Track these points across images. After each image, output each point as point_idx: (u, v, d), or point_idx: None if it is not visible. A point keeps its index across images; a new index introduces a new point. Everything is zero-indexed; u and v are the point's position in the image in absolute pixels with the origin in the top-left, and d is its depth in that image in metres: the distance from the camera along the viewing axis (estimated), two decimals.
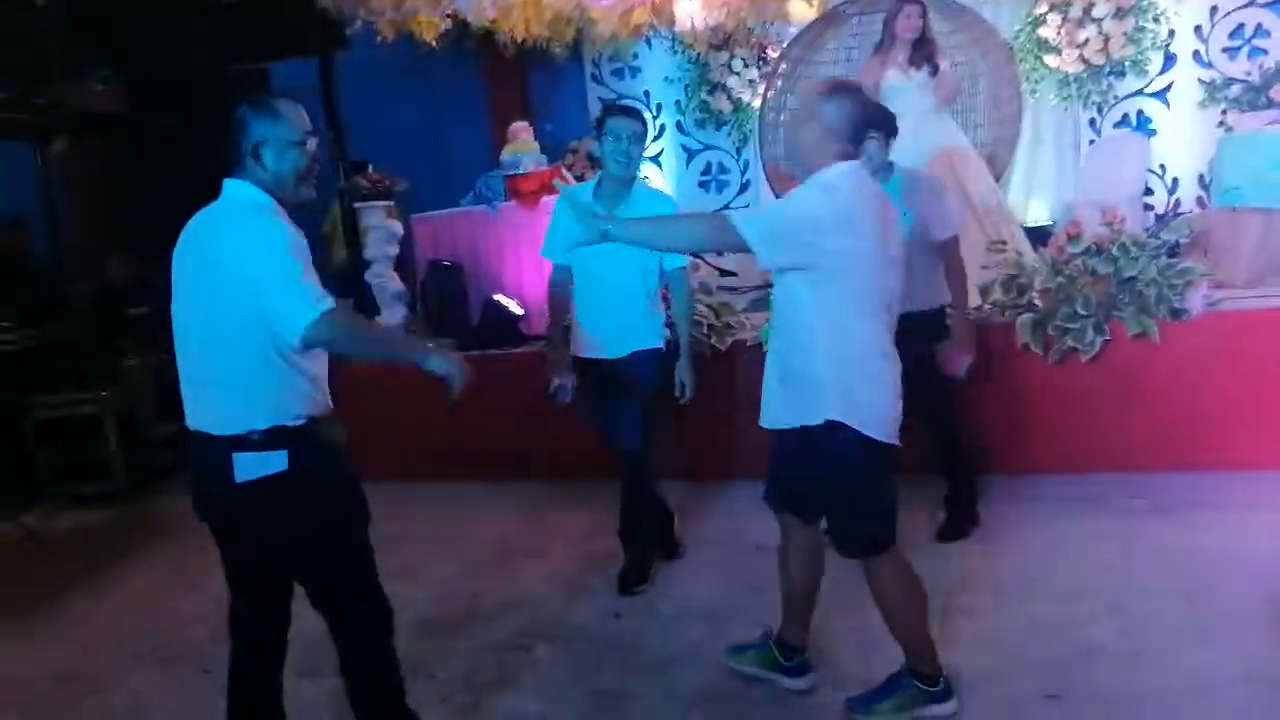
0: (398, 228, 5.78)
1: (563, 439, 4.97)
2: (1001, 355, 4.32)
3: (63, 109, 7.08)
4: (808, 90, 3.11)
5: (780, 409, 2.64)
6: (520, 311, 5.57)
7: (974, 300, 4.18)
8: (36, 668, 3.56)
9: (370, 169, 5.69)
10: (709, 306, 4.94)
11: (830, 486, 2.60)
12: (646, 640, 3.32)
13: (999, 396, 4.35)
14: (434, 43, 5.65)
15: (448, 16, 5.61)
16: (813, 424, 2.52)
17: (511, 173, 5.94)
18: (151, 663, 3.50)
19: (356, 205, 5.70)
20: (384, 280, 5.69)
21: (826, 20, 6.33)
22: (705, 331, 4.80)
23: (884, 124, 3.38)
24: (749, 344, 4.84)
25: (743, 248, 2.44)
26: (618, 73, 7.60)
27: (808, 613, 2.91)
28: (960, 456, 3.93)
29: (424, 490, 5.20)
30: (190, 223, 2.34)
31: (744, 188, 7.41)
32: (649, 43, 7.20)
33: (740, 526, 4.16)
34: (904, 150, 3.77)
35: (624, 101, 7.53)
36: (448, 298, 5.57)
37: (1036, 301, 4.30)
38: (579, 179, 6.63)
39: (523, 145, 6.04)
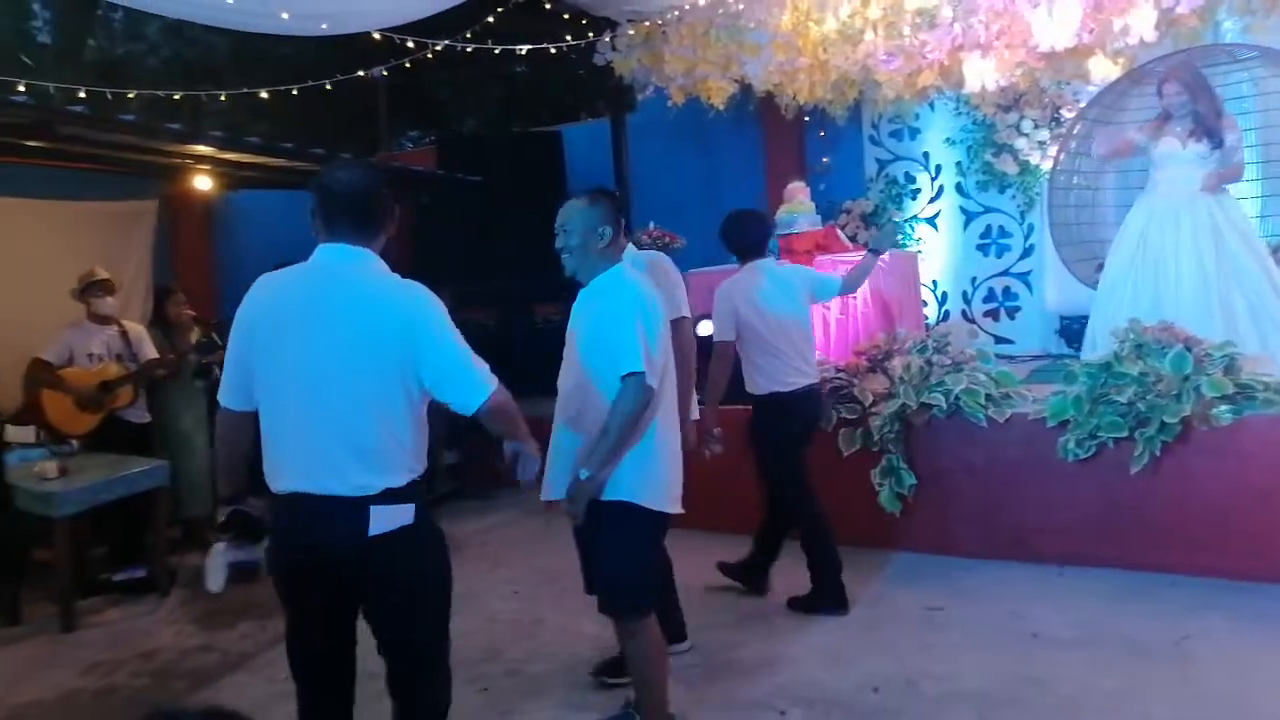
0: None
1: (841, 499, 4.93)
2: None
3: (384, 168, 8.04)
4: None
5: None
6: None
7: None
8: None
9: (651, 225, 5.98)
10: (988, 376, 4.74)
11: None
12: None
13: None
14: (720, 107, 5.87)
15: (735, 81, 5.82)
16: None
17: (786, 232, 6.04)
18: None
19: None
20: None
21: (1131, 79, 5.94)
22: (983, 401, 4.61)
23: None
24: (1030, 418, 4.58)
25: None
26: (896, 134, 7.53)
27: None
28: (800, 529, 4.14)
29: (684, 538, 5.26)
30: (306, 281, 2.27)
31: (1027, 252, 7.05)
32: (931, 104, 7.08)
33: (1016, 610, 3.93)
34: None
35: (899, 163, 7.46)
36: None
37: None
38: (852, 239, 6.62)
39: (799, 205, 6.12)
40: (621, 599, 2.87)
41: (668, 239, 5.92)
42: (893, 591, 4.34)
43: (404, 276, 2.30)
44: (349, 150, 10.18)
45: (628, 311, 2.70)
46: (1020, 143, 6.86)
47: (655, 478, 2.78)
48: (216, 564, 2.45)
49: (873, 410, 4.87)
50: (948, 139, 7.27)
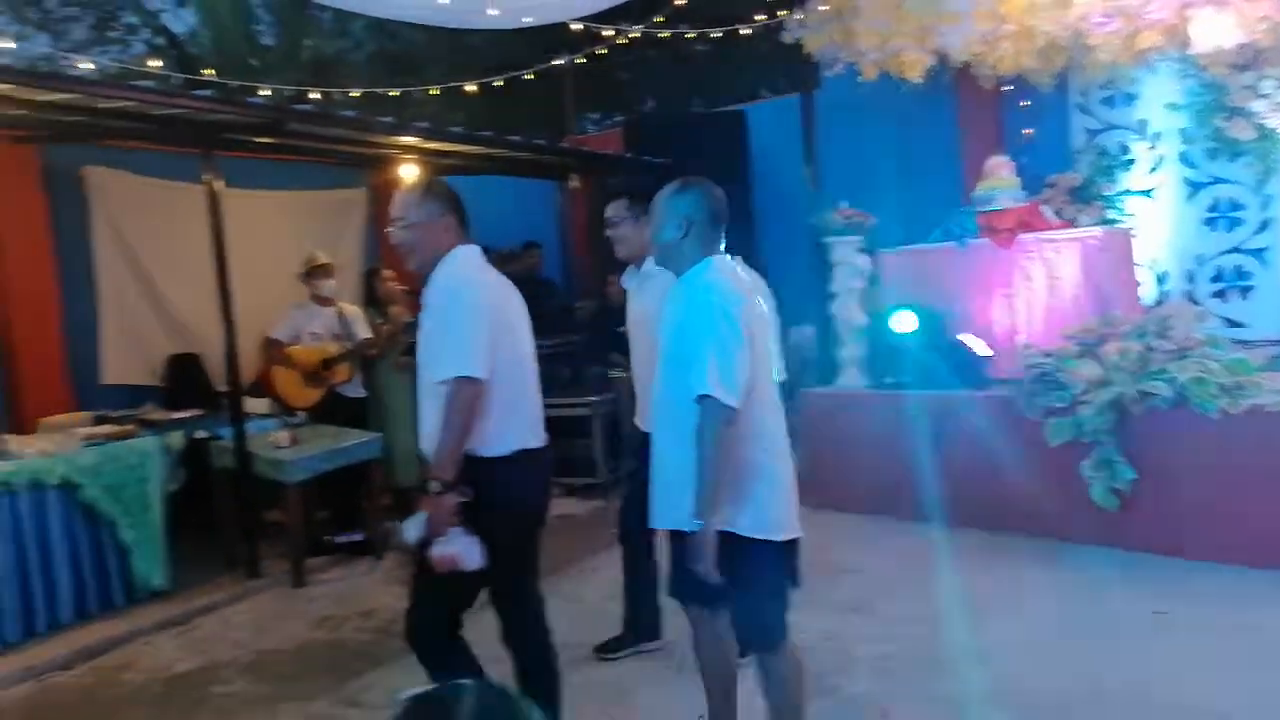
0: (866, 263, 5.86)
1: (1046, 492, 4.72)
2: None
3: (576, 152, 8.23)
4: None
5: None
6: (988, 353, 5.36)
7: None
8: None
9: (843, 204, 5.83)
10: (1219, 363, 4.36)
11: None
12: None
13: None
14: (917, 80, 5.63)
15: (931, 53, 5.57)
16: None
17: (985, 209, 5.76)
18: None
19: (826, 240, 5.88)
20: (848, 314, 5.80)
21: None
22: (1215, 392, 4.24)
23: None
24: (1269, 410, 4.18)
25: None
26: (1109, 101, 6.96)
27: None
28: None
29: (880, 525, 5.23)
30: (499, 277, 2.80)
31: (1263, 226, 6.39)
32: (1150, 67, 6.51)
33: (1252, 620, 3.63)
34: None
35: (1112, 131, 6.94)
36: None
37: None
38: (1057, 214, 6.22)
39: (1000, 181, 5.82)
40: (749, 636, 2.69)
41: (859, 218, 5.76)
42: (1110, 591, 4.08)
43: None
44: (537, 135, 10.49)
45: (703, 321, 2.44)
46: (1258, 105, 6.19)
47: (756, 503, 2.49)
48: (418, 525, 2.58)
49: (1083, 399, 4.58)
50: (1170, 104, 6.67)
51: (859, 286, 5.85)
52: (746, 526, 2.48)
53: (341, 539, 5.51)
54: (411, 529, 2.61)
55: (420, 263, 2.76)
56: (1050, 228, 5.70)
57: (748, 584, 2.51)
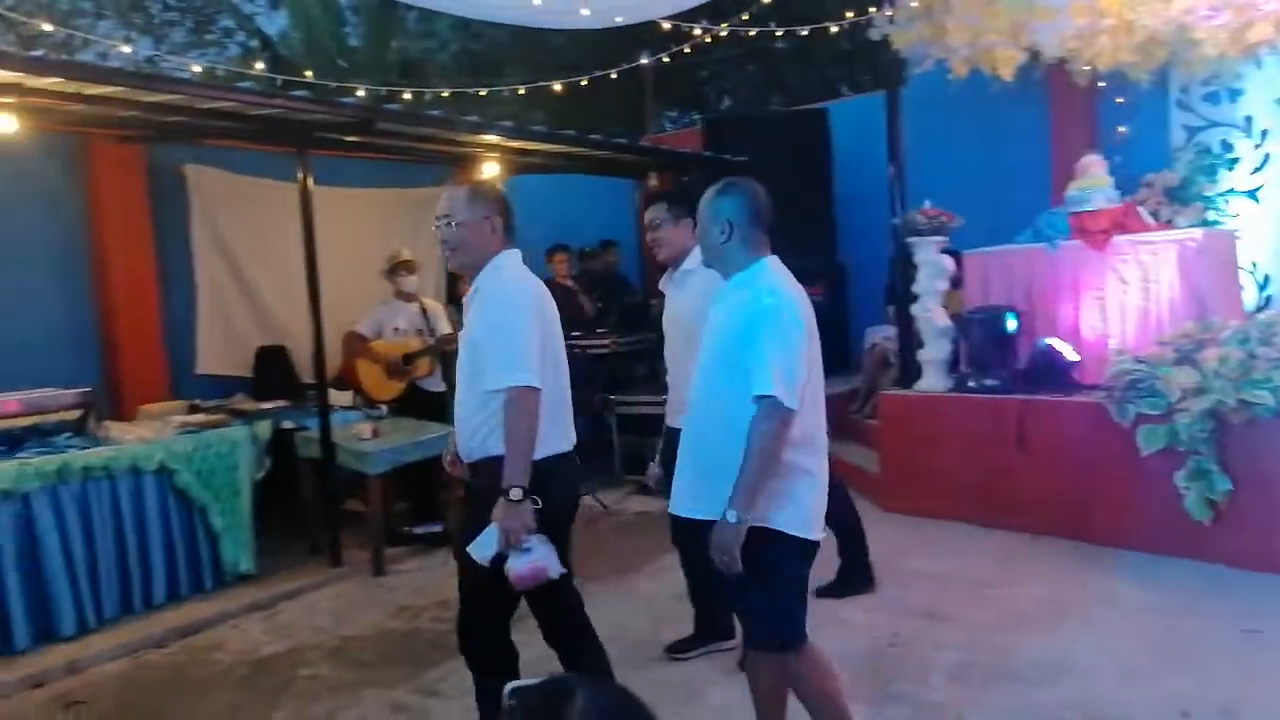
0: (949, 264, 5.73)
1: (1135, 501, 4.57)
2: None
3: (658, 150, 8.24)
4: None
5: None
6: (1075, 358, 5.20)
7: None
8: (613, 631, 4.15)
9: (927, 204, 5.71)
10: None
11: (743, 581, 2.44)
12: None
13: None
14: (1009, 77, 5.47)
15: (1024, 49, 5.41)
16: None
17: (1078, 209, 5.58)
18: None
19: (909, 240, 5.77)
20: (931, 315, 5.69)
21: None
22: None
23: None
24: None
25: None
26: (1211, 97, 6.68)
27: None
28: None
29: (958, 530, 5.12)
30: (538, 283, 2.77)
31: None
32: (1258, 61, 6.22)
33: None
34: None
35: (1214, 129, 6.66)
36: (989, 338, 5.40)
37: None
38: (1153, 215, 5.99)
39: (1093, 180, 5.64)
40: (770, 633, 2.57)
41: (944, 219, 5.63)
42: (1200, 606, 3.93)
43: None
44: (615, 134, 10.53)
45: (766, 322, 2.41)
46: None
47: (797, 502, 2.49)
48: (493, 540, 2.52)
49: (1179, 406, 4.41)
50: (1279, 99, 6.37)
51: (943, 288, 5.73)
52: (785, 523, 2.47)
53: (420, 530, 5.62)
54: (485, 546, 2.53)
55: (461, 263, 2.77)
56: (1147, 229, 5.49)
57: (777, 580, 2.49)
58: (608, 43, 12.60)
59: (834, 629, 3.91)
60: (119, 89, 4.23)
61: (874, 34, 5.80)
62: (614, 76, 5.89)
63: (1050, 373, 5.17)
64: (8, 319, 5.21)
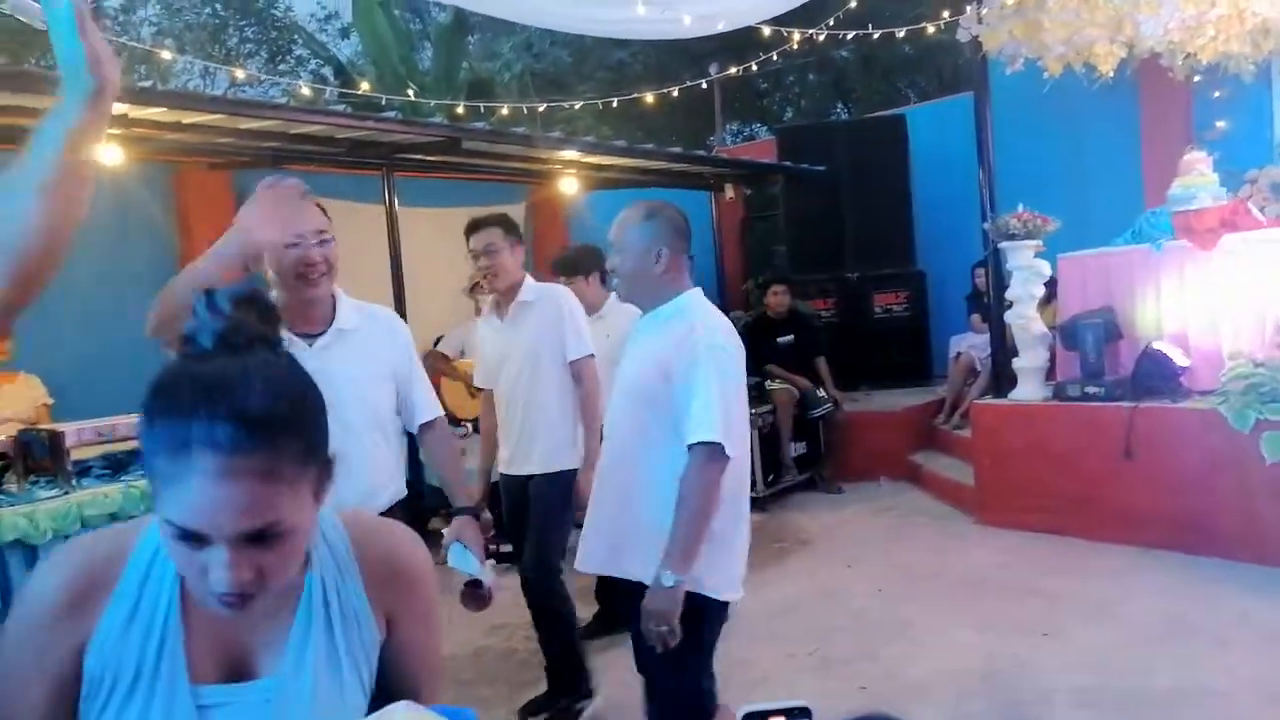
0: (1045, 268, 5.54)
1: (1259, 512, 4.34)
2: None
3: (737, 162, 8.17)
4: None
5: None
6: (1185, 362, 4.97)
7: None
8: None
9: (1020, 208, 5.53)
10: None
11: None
12: None
13: None
14: (1109, 72, 5.28)
15: (1125, 44, 5.22)
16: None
17: (1182, 208, 5.34)
18: (808, 664, 3.78)
19: (1001, 245, 5.59)
20: (1027, 322, 5.50)
21: None
22: None
23: None
24: None
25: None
26: None
27: None
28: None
29: (1064, 545, 4.93)
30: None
31: None
32: None
33: None
34: None
35: None
36: (1098, 343, 5.19)
37: None
38: (1260, 210, 5.71)
39: (1199, 178, 5.39)
40: (688, 713, 2.29)
41: (1039, 222, 5.45)
42: None
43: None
44: (687, 146, 10.49)
45: (701, 362, 2.16)
46: None
47: (733, 560, 2.29)
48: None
49: None
50: None
51: (1038, 293, 5.54)
52: (716, 586, 2.23)
53: (507, 548, 5.59)
54: (465, 563, 2.65)
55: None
56: (1259, 226, 5.23)
57: (699, 651, 2.26)
58: (668, 58, 12.59)
59: (945, 648, 3.78)
60: (217, 116, 4.32)
61: (962, 35, 5.66)
62: (676, 93, 5.85)
63: (1159, 379, 4.95)
64: (113, 348, 5.34)
